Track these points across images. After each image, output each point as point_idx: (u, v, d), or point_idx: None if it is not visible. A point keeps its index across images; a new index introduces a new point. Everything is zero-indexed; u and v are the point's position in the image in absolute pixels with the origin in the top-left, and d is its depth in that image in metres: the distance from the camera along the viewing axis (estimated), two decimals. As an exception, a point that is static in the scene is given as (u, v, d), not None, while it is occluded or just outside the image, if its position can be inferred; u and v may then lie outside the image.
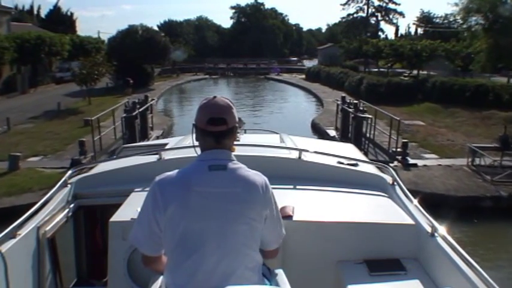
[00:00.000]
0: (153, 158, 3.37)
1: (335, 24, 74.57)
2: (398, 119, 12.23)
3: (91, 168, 3.67)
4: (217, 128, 1.70)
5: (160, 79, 37.47)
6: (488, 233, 8.89)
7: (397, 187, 3.12)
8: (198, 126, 1.74)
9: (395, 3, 58.37)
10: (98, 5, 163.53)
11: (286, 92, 34.00)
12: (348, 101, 14.38)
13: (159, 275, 1.92)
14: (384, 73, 33.58)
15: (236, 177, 1.70)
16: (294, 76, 43.16)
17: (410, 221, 2.61)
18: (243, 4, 70.64)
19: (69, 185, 3.14)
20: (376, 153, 12.41)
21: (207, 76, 44.92)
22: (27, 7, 51.65)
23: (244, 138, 3.77)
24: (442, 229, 2.42)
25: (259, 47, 62.39)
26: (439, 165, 11.39)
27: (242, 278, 1.66)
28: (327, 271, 2.51)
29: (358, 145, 9.92)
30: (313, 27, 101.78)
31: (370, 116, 12.84)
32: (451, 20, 49.57)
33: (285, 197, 2.68)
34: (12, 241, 2.38)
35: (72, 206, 3.06)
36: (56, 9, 48.91)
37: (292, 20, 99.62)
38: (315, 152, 3.36)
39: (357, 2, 58.35)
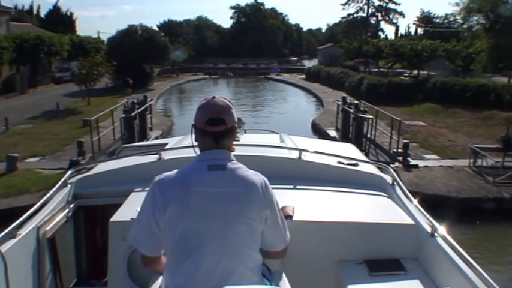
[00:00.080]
0: (153, 158, 3.37)
1: (335, 24, 74.60)
2: (399, 119, 12.18)
3: (91, 168, 3.67)
4: (216, 128, 1.70)
5: (160, 79, 37.47)
6: (490, 235, 8.82)
7: (397, 187, 3.12)
8: (197, 126, 1.74)
9: (396, 3, 58.47)
10: (97, 5, 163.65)
11: (286, 92, 34.01)
12: (349, 101, 14.35)
13: (158, 275, 1.92)
14: (384, 73, 33.56)
15: (235, 177, 1.70)
16: (294, 76, 43.18)
17: (411, 221, 2.61)
18: (243, 4, 70.85)
19: (69, 185, 3.14)
20: (377, 154, 12.38)
21: (206, 76, 44.94)
22: (26, 7, 51.81)
23: (244, 138, 3.77)
24: (442, 229, 2.42)
25: (259, 47, 62.41)
26: (441, 166, 11.34)
27: (242, 278, 1.65)
28: (327, 271, 2.51)
29: (359, 146, 9.89)
30: (313, 27, 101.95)
31: (370, 117, 12.77)
32: (451, 20, 49.66)
33: (285, 197, 2.67)
34: (12, 241, 2.38)
35: (72, 206, 3.06)
36: (55, 9, 48.94)
37: (292, 20, 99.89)
38: (315, 152, 3.35)
39: (357, 2, 58.42)
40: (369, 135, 12.93)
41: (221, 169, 1.70)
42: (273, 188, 1.79)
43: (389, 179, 3.24)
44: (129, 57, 28.77)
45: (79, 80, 21.74)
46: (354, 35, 53.54)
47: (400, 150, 11.65)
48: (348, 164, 3.38)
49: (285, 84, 38.42)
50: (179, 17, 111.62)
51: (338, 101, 15.52)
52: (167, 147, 3.79)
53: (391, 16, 60.14)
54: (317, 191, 3.02)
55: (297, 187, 3.08)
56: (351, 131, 13.45)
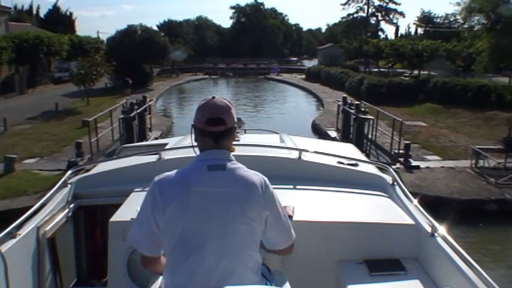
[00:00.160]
0: (153, 158, 3.37)
1: (335, 24, 74.58)
2: (400, 120, 12.06)
3: (91, 168, 3.68)
4: (215, 128, 1.70)
5: (160, 79, 37.44)
6: (493, 237, 8.74)
7: (397, 187, 3.13)
8: (197, 126, 1.74)
9: (396, 3, 58.43)
10: (97, 5, 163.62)
11: (286, 92, 34.00)
12: (349, 101, 14.29)
13: (158, 275, 1.92)
14: (385, 73, 33.53)
15: (235, 177, 1.70)
16: (294, 76, 43.17)
17: (410, 221, 2.61)
18: (242, 4, 70.85)
19: (69, 185, 3.14)
20: (378, 155, 12.32)
21: (206, 76, 44.93)
22: (26, 7, 51.77)
23: (244, 138, 3.77)
24: (442, 229, 2.42)
25: (259, 47, 62.42)
26: (442, 167, 11.24)
27: (242, 278, 1.65)
28: (327, 271, 2.51)
29: (360, 147, 9.85)
30: (313, 27, 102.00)
31: (372, 117, 12.66)
32: (451, 20, 49.69)
33: (285, 197, 2.67)
34: (12, 241, 2.38)
35: (72, 206, 3.06)
36: (55, 9, 48.89)
37: (292, 20, 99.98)
38: (315, 152, 3.36)
39: (357, 1, 58.36)
40: (369, 136, 12.84)
41: (221, 169, 1.70)
42: (272, 188, 1.79)
43: (389, 179, 3.25)
44: (128, 57, 28.72)
45: (78, 80, 21.68)
46: (354, 35, 53.52)
47: (401, 151, 11.56)
48: (348, 164, 3.38)
49: (285, 85, 38.39)
50: (179, 17, 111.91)
51: (338, 101, 15.43)
52: (167, 147, 3.78)
53: (391, 16, 60.18)
54: (317, 191, 3.02)
55: (297, 187, 3.08)
56: (352, 131, 13.37)
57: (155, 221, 1.68)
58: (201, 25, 70.65)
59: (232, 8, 71.47)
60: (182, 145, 3.59)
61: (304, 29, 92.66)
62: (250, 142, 3.50)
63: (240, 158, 1.78)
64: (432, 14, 58.45)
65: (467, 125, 16.92)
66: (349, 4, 58.86)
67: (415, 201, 2.83)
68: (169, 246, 1.69)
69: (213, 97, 1.76)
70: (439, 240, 2.37)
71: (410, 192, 3.01)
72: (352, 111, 13.28)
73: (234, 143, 1.84)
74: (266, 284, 1.79)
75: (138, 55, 29.30)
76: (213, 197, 1.66)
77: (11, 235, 2.41)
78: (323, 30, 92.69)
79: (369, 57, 38.32)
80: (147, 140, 13.23)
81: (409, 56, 31.34)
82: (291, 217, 2.50)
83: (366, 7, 58.57)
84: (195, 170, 1.71)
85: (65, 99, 23.50)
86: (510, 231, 8.92)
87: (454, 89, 20.78)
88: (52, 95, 25.47)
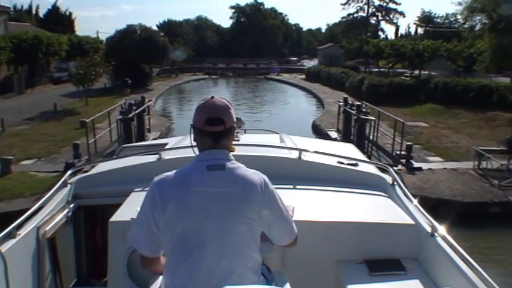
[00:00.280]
0: (152, 158, 3.37)
1: (335, 24, 74.55)
2: (402, 121, 11.92)
3: (91, 168, 3.67)
4: (215, 128, 1.70)
5: (159, 79, 37.42)
6: (497, 240, 8.64)
7: (397, 187, 3.13)
8: (196, 126, 1.74)
9: (396, 3, 58.47)
10: (97, 4, 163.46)
11: (286, 93, 34.01)
12: (350, 102, 14.22)
13: (158, 275, 1.92)
14: (385, 73, 33.51)
15: (235, 176, 1.70)
16: (294, 76, 43.17)
17: (410, 221, 2.61)
18: (242, 4, 70.82)
19: (69, 185, 3.14)
20: (379, 156, 12.22)
21: (206, 76, 44.94)
22: (25, 7, 51.74)
23: (244, 138, 3.77)
24: (442, 229, 2.42)
25: (258, 47, 62.41)
26: (444, 168, 11.11)
27: (242, 278, 1.65)
28: (327, 271, 2.51)
29: (361, 148, 9.80)
30: (313, 27, 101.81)
31: (373, 118, 12.54)
32: (452, 20, 49.70)
33: (285, 197, 2.65)
34: (12, 241, 2.38)
35: (72, 206, 3.06)
36: (54, 9, 48.92)
37: (292, 20, 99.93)
38: (315, 152, 3.36)
39: (357, 1, 58.43)
40: (371, 137, 12.71)
41: (220, 169, 1.70)
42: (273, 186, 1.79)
43: (389, 179, 3.25)
44: (127, 57, 28.68)
45: (77, 80, 21.58)
46: (354, 35, 53.45)
47: (403, 152, 11.40)
48: (348, 164, 3.38)
49: (285, 85, 38.38)
50: (179, 17, 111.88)
51: (339, 101, 15.34)
52: (167, 147, 3.78)
53: (391, 16, 60.22)
54: (317, 191, 3.02)
55: (297, 187, 3.08)
56: (353, 132, 13.24)
57: (155, 221, 1.68)
58: (201, 25, 70.64)
59: (232, 8, 71.58)
60: (182, 145, 3.59)
61: (304, 29, 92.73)
62: (250, 142, 3.50)
63: (240, 158, 1.78)
64: (432, 14, 58.51)
65: (469, 126, 16.81)
66: (349, 4, 59.01)
67: (415, 201, 2.83)
68: (169, 246, 1.69)
69: (212, 97, 1.76)
70: (439, 240, 2.37)
71: (413, 195, 3.00)
72: (353, 112, 13.17)
73: (234, 143, 1.84)
74: (266, 284, 1.78)
75: (138, 55, 29.26)
76: (212, 197, 1.66)
77: (11, 235, 2.41)
78: (323, 30, 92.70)
79: (369, 57, 38.28)
80: (145, 141, 13.19)
81: (409, 56, 31.29)
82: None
83: (366, 7, 58.70)
84: (195, 170, 1.71)
85: (64, 99, 23.46)
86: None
87: (455, 89, 20.70)
88: (51, 95, 25.43)
